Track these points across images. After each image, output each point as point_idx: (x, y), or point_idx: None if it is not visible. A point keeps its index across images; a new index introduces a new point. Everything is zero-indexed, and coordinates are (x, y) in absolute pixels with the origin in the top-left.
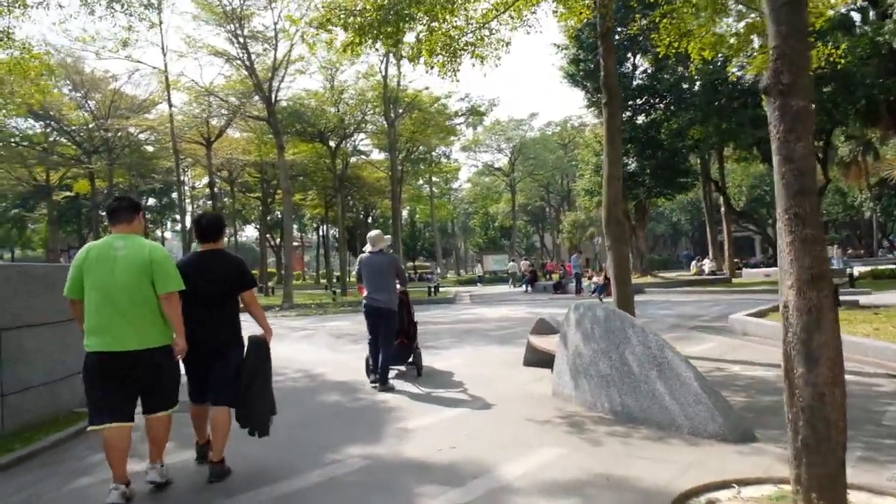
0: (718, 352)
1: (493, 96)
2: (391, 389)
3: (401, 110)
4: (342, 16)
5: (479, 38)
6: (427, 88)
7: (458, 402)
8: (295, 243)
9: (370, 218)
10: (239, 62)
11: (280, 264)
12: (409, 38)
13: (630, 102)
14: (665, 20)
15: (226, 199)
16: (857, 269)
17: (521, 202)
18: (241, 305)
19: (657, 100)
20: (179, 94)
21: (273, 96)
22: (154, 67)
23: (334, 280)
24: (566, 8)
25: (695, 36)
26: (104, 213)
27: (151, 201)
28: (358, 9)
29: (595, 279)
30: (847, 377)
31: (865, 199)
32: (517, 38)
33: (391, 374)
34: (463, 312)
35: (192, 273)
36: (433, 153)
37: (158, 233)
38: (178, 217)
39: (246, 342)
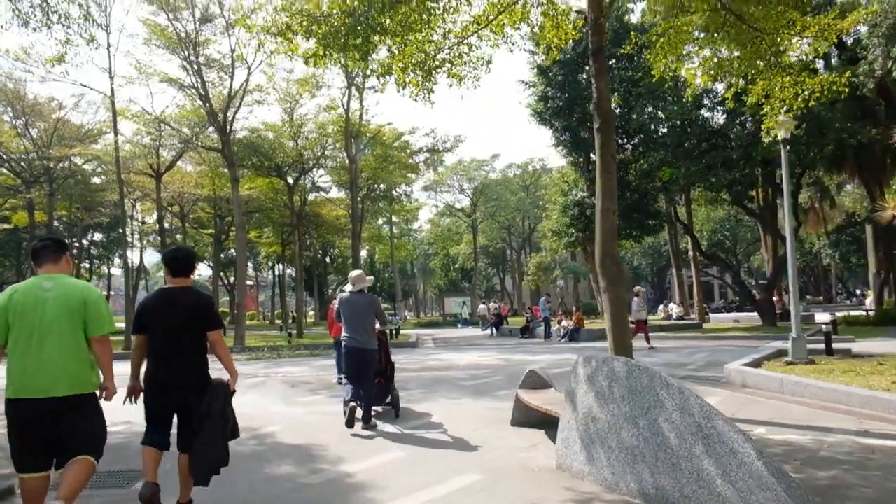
0: (729, 409)
1: (459, 132)
2: (374, 427)
3: (363, 145)
4: (305, 23)
5: (457, 54)
6: (390, 124)
7: (442, 476)
8: (249, 282)
9: (328, 257)
10: (193, 90)
11: (234, 304)
12: (381, 53)
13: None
14: (662, 40)
15: (177, 236)
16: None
17: (482, 244)
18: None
19: (625, 139)
20: (128, 122)
21: (228, 127)
22: (100, 92)
23: (290, 321)
24: (554, 24)
25: (692, 58)
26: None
27: (98, 236)
28: (323, 15)
29: (565, 323)
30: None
31: (823, 245)
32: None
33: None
34: (429, 357)
35: (159, 309)
36: (394, 191)
37: (105, 269)
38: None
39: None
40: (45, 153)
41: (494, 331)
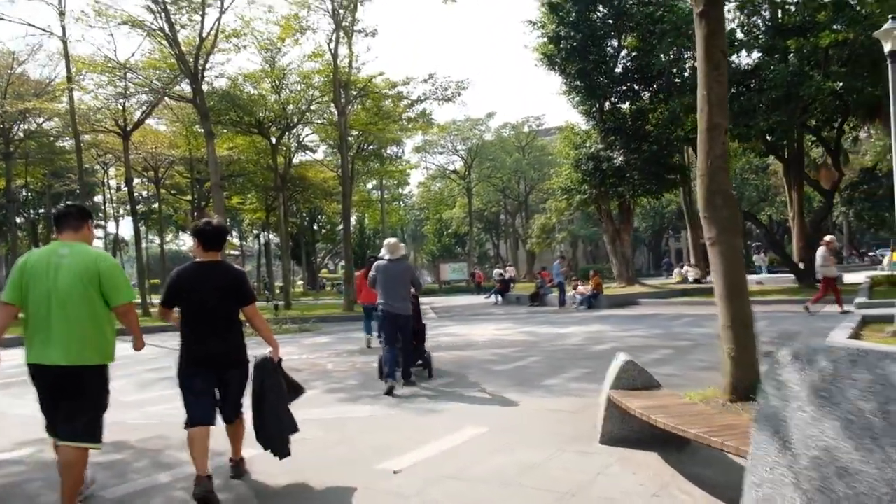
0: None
1: (462, 78)
2: (413, 384)
3: (353, 93)
4: None
5: None
6: (382, 74)
7: None
8: (234, 252)
9: (316, 224)
10: (160, 33)
11: None
12: None
13: (615, 88)
14: None
15: (154, 204)
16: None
17: (476, 207)
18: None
19: (643, 86)
20: (91, 76)
21: (200, 74)
22: (50, 33)
23: (276, 291)
24: None
25: None
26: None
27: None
28: None
29: (581, 289)
30: None
31: (836, 203)
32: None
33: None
34: (438, 332)
35: (191, 284)
36: (386, 151)
37: None
38: (101, 222)
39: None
40: None
41: (500, 298)
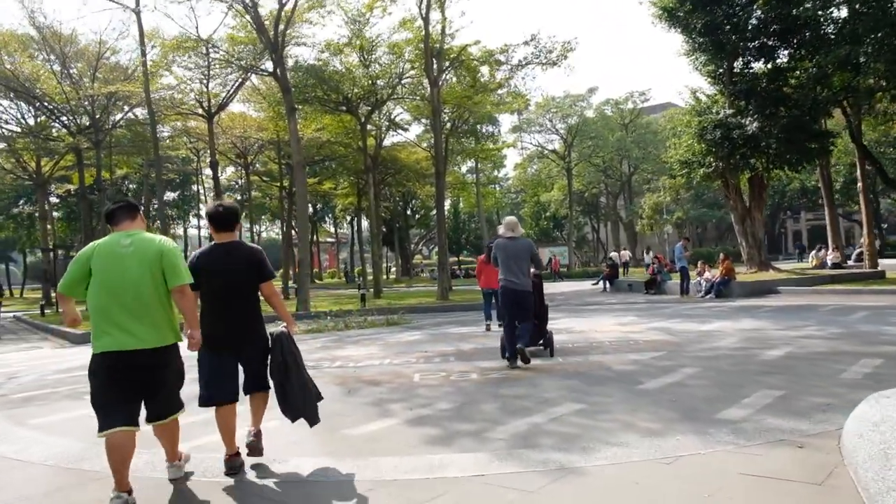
0: None
1: (568, 38)
2: (528, 361)
3: (447, 63)
4: None
5: None
6: (478, 42)
7: None
8: (329, 239)
9: (409, 209)
10: (239, 4)
11: (316, 262)
12: None
13: (747, 45)
14: None
15: (242, 194)
16: None
17: (576, 189)
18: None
19: (777, 41)
20: (174, 56)
21: (280, 43)
22: (125, 7)
23: (364, 277)
24: None
25: None
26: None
27: (169, 195)
28: None
29: (707, 274)
30: None
31: None
32: None
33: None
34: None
35: (210, 266)
36: (481, 128)
37: (180, 230)
38: (198, 211)
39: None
40: (87, 96)
41: (608, 285)
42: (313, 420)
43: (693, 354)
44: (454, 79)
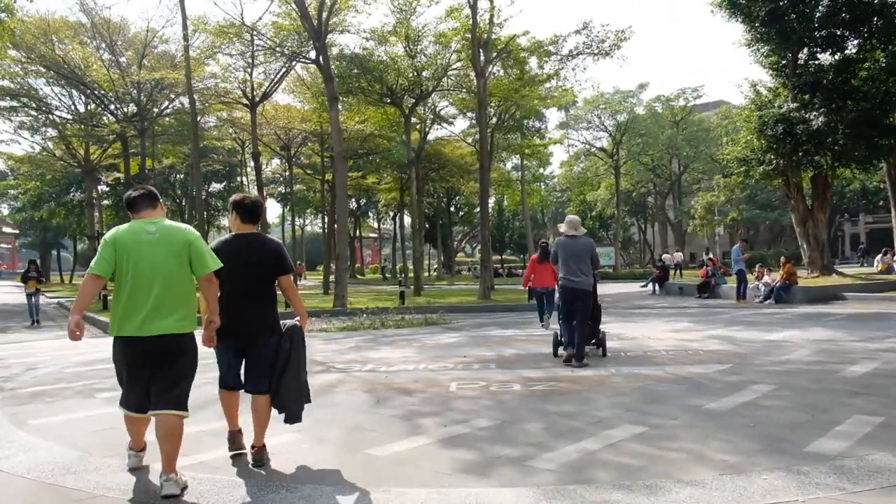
0: None
1: (623, 26)
2: (586, 366)
3: (493, 54)
4: None
5: None
6: (527, 33)
7: None
8: (372, 234)
9: (452, 205)
10: None
11: (358, 258)
12: None
13: (814, 34)
14: None
15: (294, 185)
16: None
17: (623, 188)
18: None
19: (843, 30)
20: (219, 44)
21: (324, 29)
22: None
23: (403, 274)
24: None
25: None
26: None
27: (215, 186)
28: None
29: (767, 279)
30: None
31: None
32: None
33: None
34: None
35: (230, 256)
36: (528, 124)
37: (225, 221)
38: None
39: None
40: (132, 80)
41: (657, 287)
42: (294, 418)
43: (763, 368)
44: (501, 71)
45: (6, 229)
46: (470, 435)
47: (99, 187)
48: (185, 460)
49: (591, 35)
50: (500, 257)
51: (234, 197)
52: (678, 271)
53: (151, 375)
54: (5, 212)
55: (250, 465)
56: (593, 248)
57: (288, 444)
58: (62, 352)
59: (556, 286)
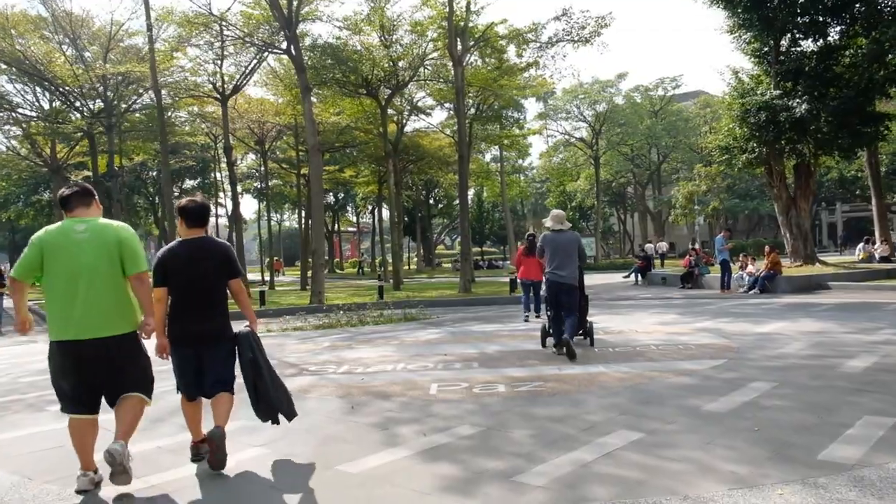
0: None
1: (603, 12)
2: (573, 356)
3: (471, 43)
4: None
5: None
6: (504, 21)
7: None
8: (350, 228)
9: (432, 198)
10: None
11: (337, 252)
12: None
13: (796, 20)
14: None
15: (270, 180)
16: None
17: (603, 178)
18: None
19: (832, 17)
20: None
21: (294, 18)
22: None
23: (387, 268)
24: None
25: None
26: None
27: (189, 182)
28: None
29: (751, 268)
30: None
31: None
32: None
33: None
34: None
35: (179, 263)
36: (506, 114)
37: None
38: (218, 199)
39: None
40: (97, 74)
41: (639, 278)
42: (290, 413)
43: (759, 364)
44: (479, 61)
45: None
46: (452, 445)
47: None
48: (138, 483)
49: (570, 21)
50: (479, 249)
51: (178, 202)
52: (661, 261)
53: (98, 381)
54: None
55: (209, 436)
56: (580, 241)
57: (254, 461)
58: (23, 359)
59: (543, 279)
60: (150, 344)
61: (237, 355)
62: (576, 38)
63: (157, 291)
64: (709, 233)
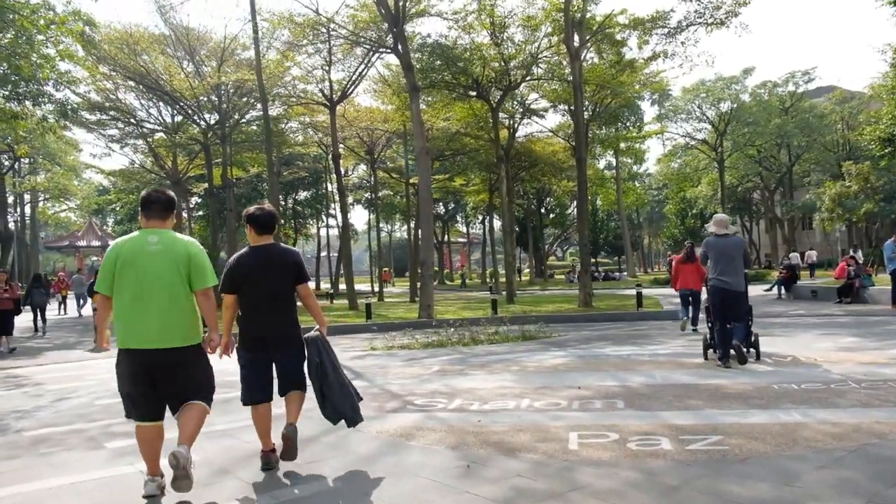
0: None
1: None
2: (744, 361)
3: (588, 36)
4: None
5: None
6: (624, 11)
7: None
8: (461, 239)
9: (543, 207)
10: None
11: (447, 263)
12: None
13: None
14: None
15: (380, 191)
16: None
17: (728, 183)
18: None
19: None
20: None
21: (402, 15)
22: None
23: (499, 279)
24: None
25: None
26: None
27: (302, 194)
28: None
29: None
30: None
31: None
32: None
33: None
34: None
35: (251, 268)
36: (624, 115)
37: (314, 230)
38: (330, 210)
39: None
40: (211, 83)
41: (784, 291)
42: (353, 420)
43: None
44: (596, 57)
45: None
46: None
47: (192, 199)
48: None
49: (703, 2)
50: (595, 260)
51: (246, 210)
52: (810, 272)
53: (163, 389)
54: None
55: (283, 434)
56: (745, 247)
57: None
58: (109, 374)
59: (705, 287)
60: (213, 356)
61: (306, 358)
62: (710, 21)
63: (227, 298)
64: (848, 241)
